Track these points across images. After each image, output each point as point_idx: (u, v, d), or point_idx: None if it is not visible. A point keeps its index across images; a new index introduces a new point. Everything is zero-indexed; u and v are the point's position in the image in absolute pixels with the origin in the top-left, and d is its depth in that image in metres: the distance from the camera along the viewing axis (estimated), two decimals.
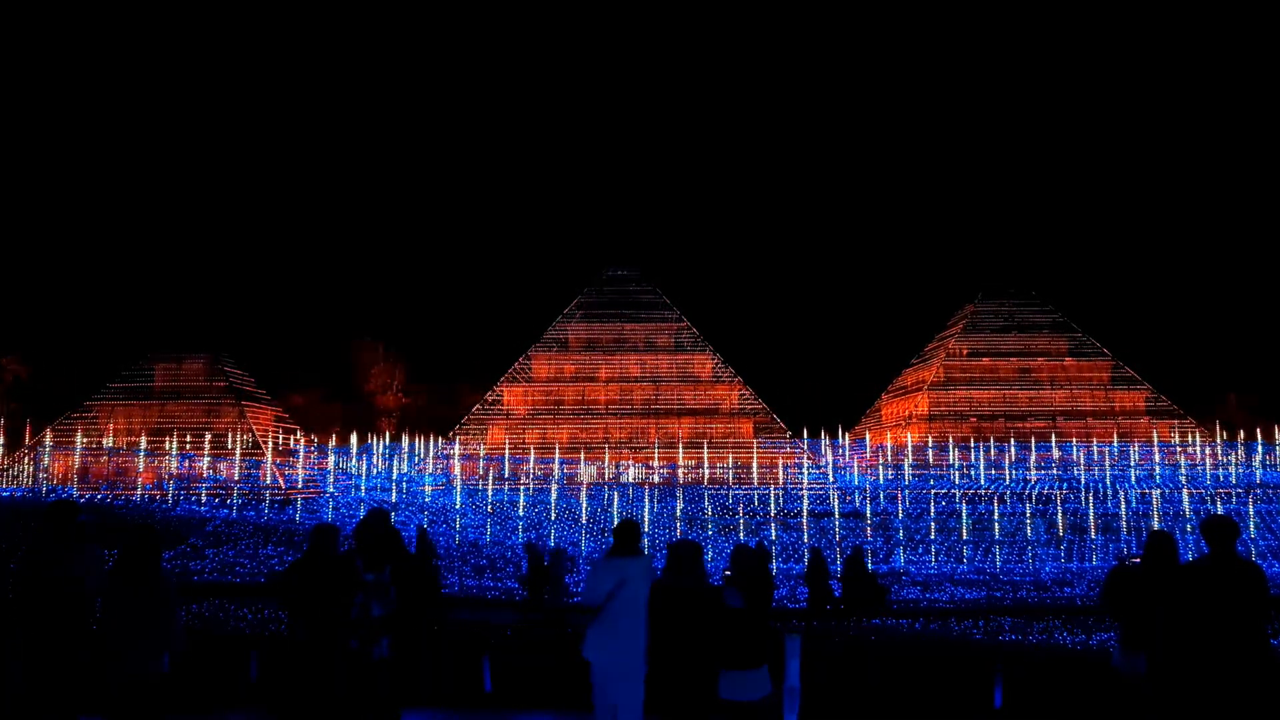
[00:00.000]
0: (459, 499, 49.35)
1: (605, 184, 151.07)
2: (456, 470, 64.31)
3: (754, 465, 66.14)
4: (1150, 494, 47.55)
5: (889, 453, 67.49)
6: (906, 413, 74.44)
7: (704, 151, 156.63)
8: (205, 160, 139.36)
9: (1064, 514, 41.53)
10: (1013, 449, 63.92)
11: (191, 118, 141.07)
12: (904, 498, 47.41)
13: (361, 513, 41.01)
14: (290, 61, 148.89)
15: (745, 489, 56.52)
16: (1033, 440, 66.23)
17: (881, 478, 64.14)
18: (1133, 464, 62.37)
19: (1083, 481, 53.50)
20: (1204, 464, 63.35)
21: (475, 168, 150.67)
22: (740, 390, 72.41)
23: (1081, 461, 63.24)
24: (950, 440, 65.53)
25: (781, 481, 59.73)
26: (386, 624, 7.82)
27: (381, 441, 70.25)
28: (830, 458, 68.36)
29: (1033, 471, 59.69)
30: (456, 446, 69.90)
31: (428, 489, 56.65)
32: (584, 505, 44.04)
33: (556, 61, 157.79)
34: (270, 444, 64.29)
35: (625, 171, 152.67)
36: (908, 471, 62.33)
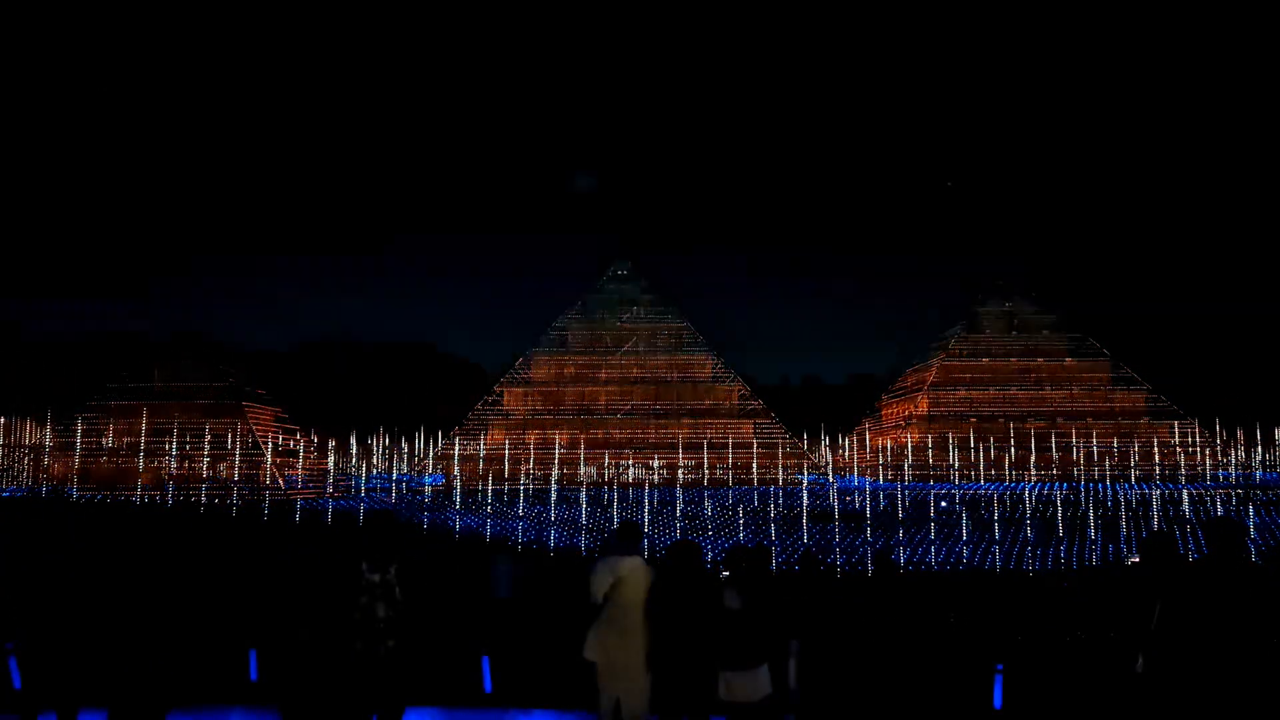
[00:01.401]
0: (458, 499, 49.35)
1: (606, 184, 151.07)
2: (456, 470, 64.33)
3: (754, 465, 66.17)
4: (1150, 494, 47.56)
5: (889, 453, 67.54)
6: (907, 413, 74.43)
7: (705, 151, 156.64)
8: (208, 160, 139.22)
9: (1063, 514, 41.54)
10: (1013, 449, 63.94)
11: (194, 116, 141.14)
12: (904, 498, 47.42)
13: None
14: (291, 65, 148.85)
15: (745, 489, 56.54)
16: (1033, 440, 66.27)
17: (881, 478, 64.18)
18: (1133, 464, 62.38)
19: (1082, 481, 53.52)
20: (1204, 464, 63.37)
21: (475, 168, 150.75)
22: (740, 390, 72.44)
23: (1081, 461, 63.25)
24: (950, 440, 65.53)
25: (781, 482, 59.77)
26: (391, 625, 7.82)
27: (381, 442, 70.29)
28: (830, 458, 68.39)
29: (1033, 471, 59.71)
30: (456, 446, 69.92)
31: (427, 489, 56.67)
32: (583, 505, 44.04)
33: (557, 63, 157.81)
34: (270, 444, 64.29)
35: (626, 172, 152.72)
36: (908, 472, 62.34)
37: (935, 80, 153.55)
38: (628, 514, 43.57)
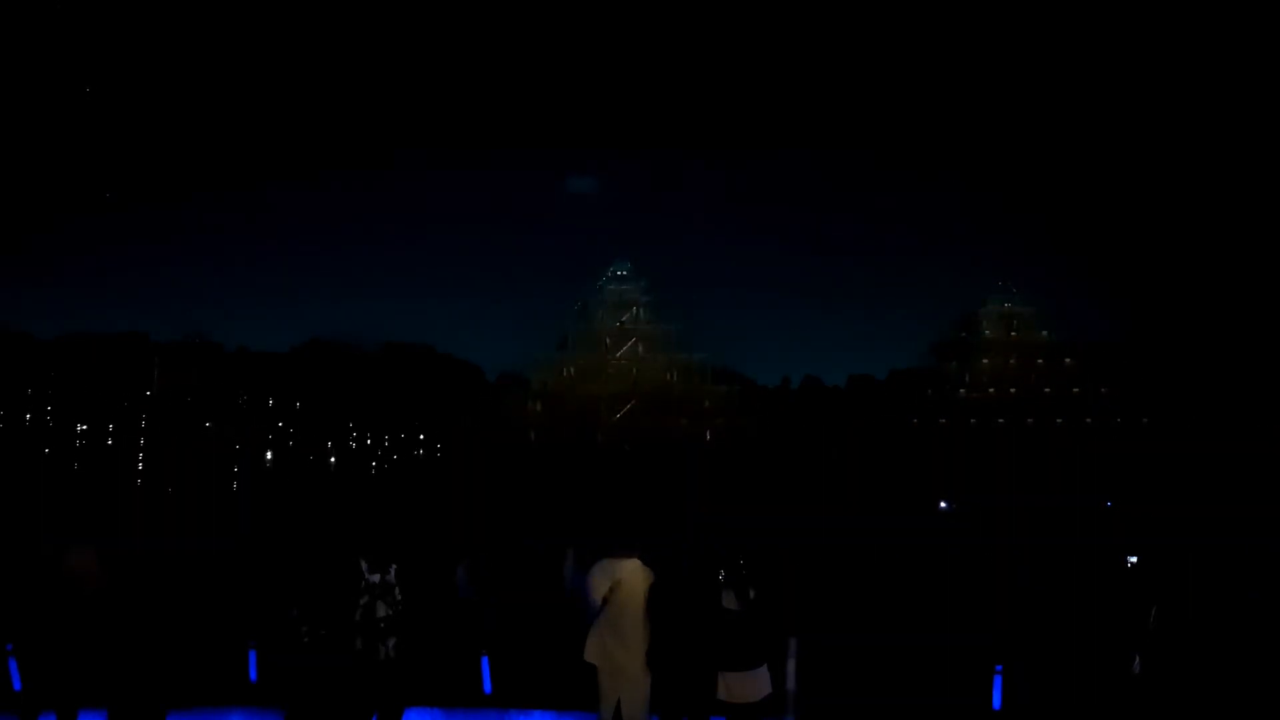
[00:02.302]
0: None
1: (605, 182, 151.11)
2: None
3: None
4: None
5: None
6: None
7: (705, 150, 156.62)
8: (207, 163, 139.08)
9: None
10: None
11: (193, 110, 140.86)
12: None
13: None
14: (283, 66, 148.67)
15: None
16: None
17: None
18: None
19: None
20: None
21: (473, 166, 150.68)
22: (740, 389, 72.44)
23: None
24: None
25: None
26: (392, 625, 7.84)
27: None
28: None
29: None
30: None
31: None
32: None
33: (555, 60, 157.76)
34: None
35: (626, 170, 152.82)
36: None
37: (935, 77, 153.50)
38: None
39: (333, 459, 63.37)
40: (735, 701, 7.81)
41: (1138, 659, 8.08)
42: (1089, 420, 68.80)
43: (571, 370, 73.23)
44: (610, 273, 76.97)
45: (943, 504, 48.07)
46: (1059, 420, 69.00)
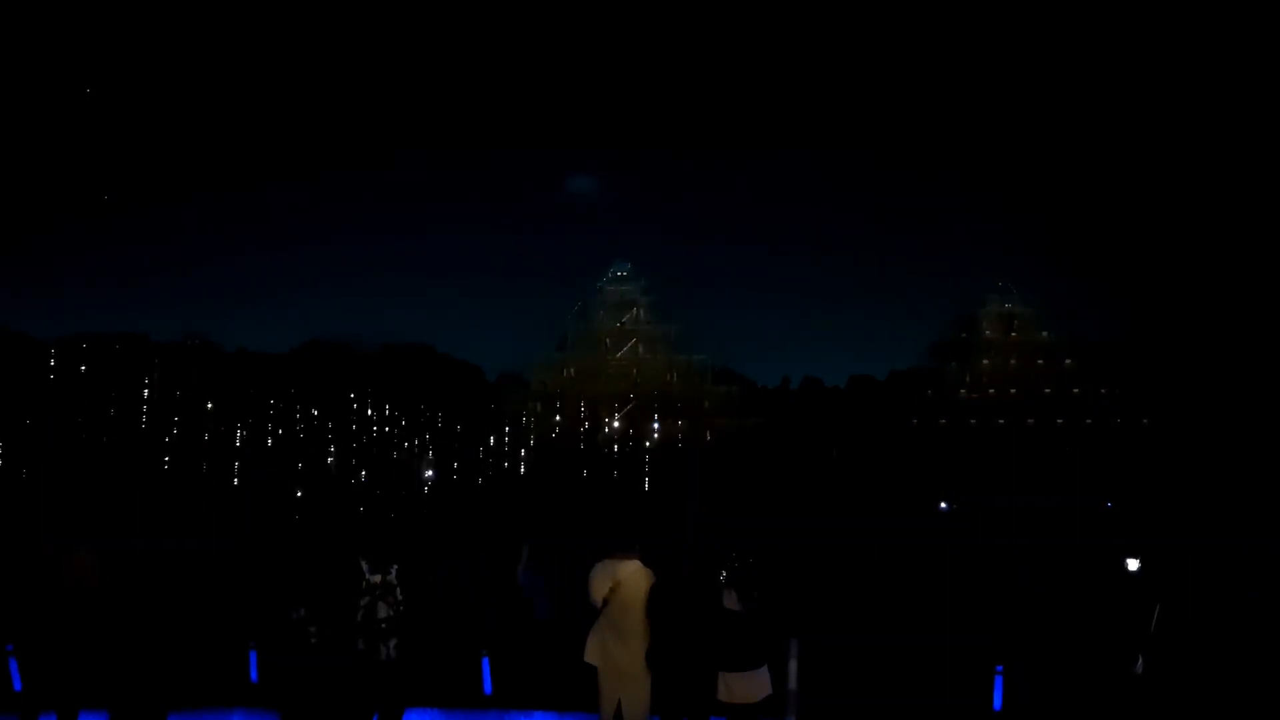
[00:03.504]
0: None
1: (605, 182, 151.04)
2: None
3: None
4: None
5: None
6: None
7: (705, 150, 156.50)
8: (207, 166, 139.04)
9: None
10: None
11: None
12: None
13: None
14: (283, 66, 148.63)
15: None
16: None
17: None
18: None
19: None
20: None
21: (473, 166, 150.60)
22: (740, 389, 72.41)
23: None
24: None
25: None
26: (394, 625, 7.83)
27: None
28: None
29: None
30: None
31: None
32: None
33: (555, 60, 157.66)
34: None
35: (626, 170, 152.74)
36: None
37: (934, 76, 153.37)
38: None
39: (332, 460, 63.34)
40: (736, 702, 7.81)
41: (1140, 659, 8.08)
42: (1089, 421, 68.74)
43: (571, 370, 73.18)
44: (610, 273, 76.86)
45: (943, 504, 48.08)
46: (1059, 421, 68.95)
